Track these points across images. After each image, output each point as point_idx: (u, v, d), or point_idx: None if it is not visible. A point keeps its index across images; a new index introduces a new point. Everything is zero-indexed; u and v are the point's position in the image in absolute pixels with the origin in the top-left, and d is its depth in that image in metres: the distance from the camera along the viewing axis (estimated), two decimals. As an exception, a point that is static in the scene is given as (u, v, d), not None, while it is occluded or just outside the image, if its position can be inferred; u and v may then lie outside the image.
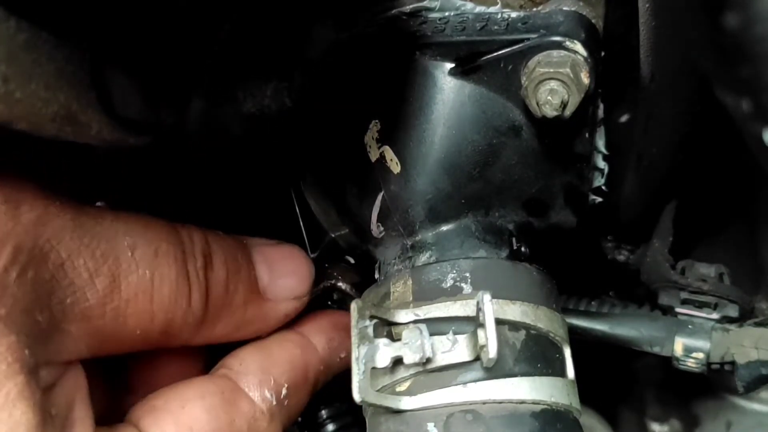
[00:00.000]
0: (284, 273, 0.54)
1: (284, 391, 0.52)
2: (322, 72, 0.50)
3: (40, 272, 0.40)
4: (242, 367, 0.52)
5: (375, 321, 0.45)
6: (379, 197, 0.50)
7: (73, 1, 0.33)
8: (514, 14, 0.47)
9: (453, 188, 0.48)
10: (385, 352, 0.44)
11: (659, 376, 0.78)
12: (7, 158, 0.40)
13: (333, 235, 0.58)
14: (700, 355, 0.57)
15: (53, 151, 0.41)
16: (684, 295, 0.60)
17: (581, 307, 0.63)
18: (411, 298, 0.47)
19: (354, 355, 0.43)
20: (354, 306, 0.45)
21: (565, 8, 0.46)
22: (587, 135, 0.48)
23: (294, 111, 0.49)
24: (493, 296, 0.43)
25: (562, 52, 0.43)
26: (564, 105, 0.43)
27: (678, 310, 0.59)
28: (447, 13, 0.48)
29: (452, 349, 0.44)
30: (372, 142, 0.50)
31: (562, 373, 0.47)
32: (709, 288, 0.59)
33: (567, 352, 0.48)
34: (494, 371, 0.43)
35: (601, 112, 0.51)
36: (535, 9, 0.47)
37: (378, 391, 0.44)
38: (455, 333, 0.44)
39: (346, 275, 0.60)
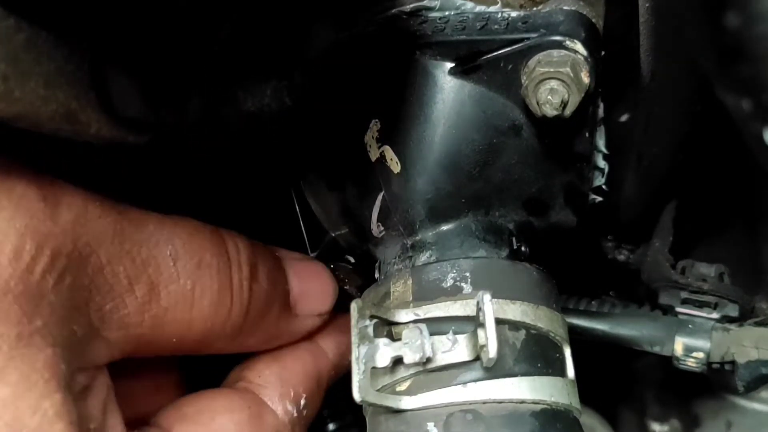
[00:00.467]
0: (312, 289, 0.55)
1: (303, 402, 0.52)
2: (322, 71, 0.50)
3: (78, 278, 0.38)
4: (262, 380, 0.52)
5: (375, 321, 0.45)
6: (379, 197, 0.50)
7: (72, 0, 0.33)
8: (514, 14, 0.47)
9: (453, 188, 0.48)
10: (385, 351, 0.44)
11: (659, 376, 0.78)
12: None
13: (333, 235, 0.58)
14: (701, 355, 0.57)
15: (53, 151, 0.41)
16: (684, 294, 0.60)
17: (581, 307, 0.63)
18: (411, 298, 0.47)
19: (354, 354, 0.43)
20: (354, 306, 0.45)
21: (565, 8, 0.46)
22: (587, 134, 0.48)
23: (294, 110, 0.49)
24: (493, 296, 0.43)
25: (563, 52, 0.43)
26: (564, 104, 0.43)
27: (678, 309, 0.59)
28: (447, 13, 0.48)
29: (452, 348, 0.44)
30: (372, 142, 0.50)
31: (562, 372, 0.47)
32: (709, 287, 0.59)
33: (567, 352, 0.48)
34: (494, 371, 0.43)
35: (601, 112, 0.51)
36: (535, 8, 0.47)
37: (378, 390, 0.44)
38: (455, 333, 0.44)
39: (351, 278, 0.60)
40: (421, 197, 0.49)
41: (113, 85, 0.37)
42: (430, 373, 0.44)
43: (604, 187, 0.54)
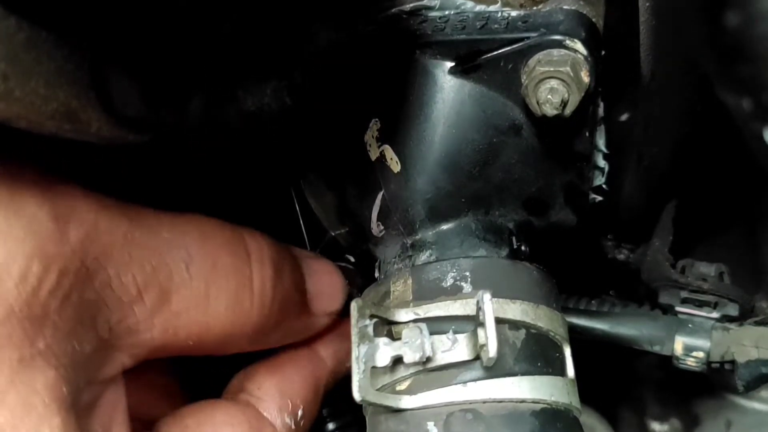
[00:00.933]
0: (325, 288, 0.54)
1: (300, 413, 0.52)
2: (322, 71, 0.50)
3: (85, 294, 0.37)
4: (261, 392, 0.51)
5: (375, 320, 0.45)
6: (379, 196, 0.50)
7: (73, 0, 0.33)
8: (514, 13, 0.47)
9: (453, 187, 0.48)
10: (385, 351, 0.44)
11: (659, 376, 0.78)
12: (56, 161, 0.38)
13: (333, 234, 0.58)
14: (701, 354, 0.57)
15: (53, 151, 0.41)
16: (684, 294, 0.60)
17: (581, 306, 0.63)
18: (411, 297, 0.47)
19: (354, 354, 0.43)
20: (354, 305, 0.45)
21: (565, 7, 0.46)
22: (587, 134, 0.48)
23: (294, 110, 0.49)
24: (493, 295, 0.43)
25: (563, 51, 0.43)
26: (564, 104, 0.43)
27: (678, 309, 0.59)
28: (447, 12, 0.48)
29: (452, 348, 0.44)
30: (372, 141, 0.50)
31: (562, 372, 0.47)
32: (709, 287, 0.59)
33: (567, 351, 0.48)
34: (494, 370, 0.43)
35: (601, 111, 0.51)
36: (535, 8, 0.47)
37: (378, 390, 0.44)
38: (455, 332, 0.44)
39: (353, 279, 0.60)
40: (421, 197, 0.49)
41: (113, 85, 0.37)
42: (430, 372, 0.44)
43: (604, 186, 0.54)
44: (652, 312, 0.61)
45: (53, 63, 0.33)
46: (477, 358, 0.43)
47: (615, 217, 0.61)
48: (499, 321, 0.43)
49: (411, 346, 0.43)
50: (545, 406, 0.44)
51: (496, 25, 0.46)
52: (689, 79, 0.48)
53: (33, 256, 0.35)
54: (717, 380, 0.73)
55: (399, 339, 0.44)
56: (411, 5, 0.48)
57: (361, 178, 0.51)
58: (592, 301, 0.63)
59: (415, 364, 0.44)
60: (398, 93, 0.48)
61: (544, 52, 0.44)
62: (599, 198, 0.54)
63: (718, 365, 0.57)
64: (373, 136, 0.50)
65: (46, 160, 0.39)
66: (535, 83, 0.43)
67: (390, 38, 0.48)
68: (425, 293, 0.47)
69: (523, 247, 0.51)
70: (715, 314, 0.58)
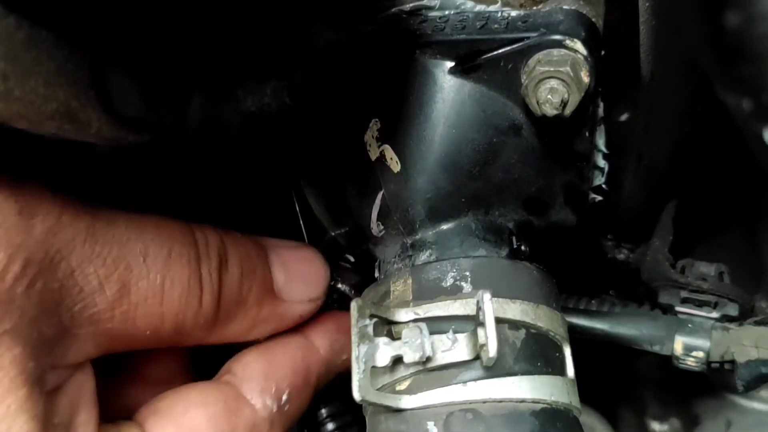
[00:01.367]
0: (300, 275, 0.55)
1: (285, 397, 0.52)
2: (322, 71, 0.50)
3: (49, 282, 0.40)
4: (245, 373, 0.52)
5: (375, 320, 0.45)
6: (379, 196, 0.50)
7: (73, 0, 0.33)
8: (514, 13, 0.47)
9: (453, 187, 0.48)
10: (385, 350, 0.44)
11: (659, 375, 0.78)
12: (21, 161, 0.40)
13: (333, 234, 0.58)
14: (700, 354, 0.57)
15: (53, 151, 0.41)
16: (684, 293, 0.60)
17: (581, 306, 0.63)
18: (411, 297, 0.47)
19: (354, 354, 0.43)
20: (354, 305, 0.45)
21: (565, 7, 0.46)
22: (587, 134, 0.48)
23: (294, 110, 0.49)
24: (493, 295, 0.43)
25: (563, 51, 0.43)
26: (564, 104, 0.43)
27: (678, 308, 0.59)
28: (447, 12, 0.48)
29: (452, 348, 0.44)
30: (372, 141, 0.50)
31: (562, 372, 0.47)
32: (709, 287, 0.59)
33: (567, 351, 0.48)
34: (494, 370, 0.43)
35: (601, 111, 0.51)
36: (535, 8, 0.47)
37: (378, 390, 0.44)
38: (455, 332, 0.44)
39: (345, 276, 0.60)
40: (420, 196, 0.49)
41: (113, 85, 0.37)
42: (430, 372, 0.44)
43: (604, 186, 0.54)
44: (652, 312, 0.61)
45: (53, 62, 0.33)
46: (477, 357, 0.43)
47: (615, 216, 0.61)
48: (499, 321, 0.43)
49: (411, 346, 0.43)
50: (545, 405, 0.44)
51: (496, 25, 0.46)
52: (689, 79, 0.48)
53: None
54: (717, 380, 0.73)
55: (399, 339, 0.44)
56: (411, 5, 0.48)
57: (361, 178, 0.51)
58: (592, 301, 0.63)
59: (415, 363, 0.44)
60: (398, 93, 0.48)
61: (544, 52, 0.44)
62: (599, 198, 0.54)
63: (717, 365, 0.57)
64: (373, 136, 0.50)
65: (45, 162, 0.40)
66: (535, 83, 0.43)
67: (390, 38, 0.48)
68: (425, 293, 0.47)
69: (523, 247, 0.51)
70: (715, 314, 0.58)
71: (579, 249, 0.60)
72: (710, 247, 0.69)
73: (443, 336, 0.44)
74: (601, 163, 0.53)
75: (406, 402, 0.43)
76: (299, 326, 0.56)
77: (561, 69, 0.42)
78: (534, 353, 0.45)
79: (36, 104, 0.33)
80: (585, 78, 0.43)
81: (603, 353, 0.66)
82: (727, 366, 0.57)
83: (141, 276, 0.44)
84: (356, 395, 0.42)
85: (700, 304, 0.59)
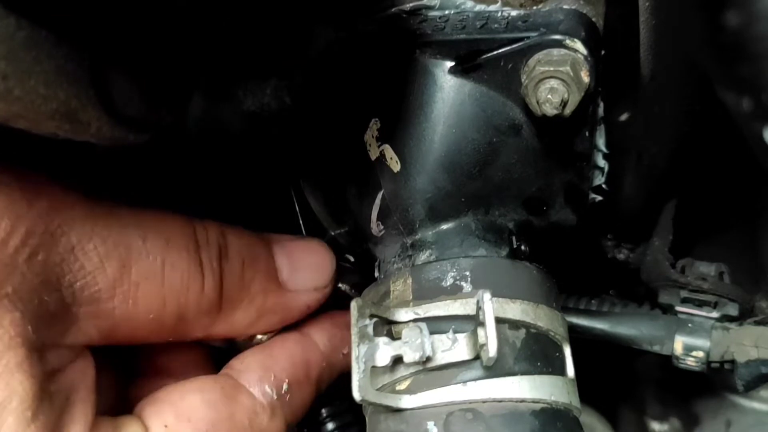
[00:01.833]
0: (305, 265, 0.55)
1: (285, 386, 0.52)
2: (322, 70, 0.50)
3: (50, 255, 0.41)
4: (243, 366, 0.53)
5: (375, 320, 0.45)
6: (379, 196, 0.50)
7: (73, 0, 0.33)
8: (514, 12, 0.47)
9: (453, 187, 0.48)
10: (385, 350, 0.44)
11: (659, 375, 0.78)
12: (26, 159, 0.41)
13: (333, 233, 0.58)
14: (700, 354, 0.57)
15: (53, 150, 0.41)
16: (684, 293, 0.60)
17: (581, 306, 0.63)
18: (411, 297, 0.47)
19: (354, 353, 0.43)
20: (354, 305, 0.45)
21: (565, 6, 0.46)
22: (587, 133, 0.48)
23: (294, 109, 0.49)
24: (493, 295, 0.43)
25: (563, 51, 0.43)
26: (564, 103, 0.43)
27: (678, 308, 0.59)
28: (447, 12, 0.48)
29: (452, 347, 0.44)
30: (372, 141, 0.50)
31: (562, 371, 0.47)
32: (709, 286, 0.59)
33: (567, 351, 0.48)
34: (494, 370, 0.43)
35: (601, 111, 0.51)
36: (535, 7, 0.47)
37: (378, 389, 0.44)
38: (455, 332, 0.44)
39: (345, 275, 0.60)
40: (420, 196, 0.49)
41: (114, 84, 0.37)
42: (429, 372, 0.44)
43: (603, 186, 0.54)
44: (651, 312, 0.61)
45: (53, 62, 0.33)
46: (477, 357, 0.43)
47: (615, 216, 0.61)
48: (499, 320, 0.43)
49: (411, 346, 0.43)
50: (545, 405, 0.44)
51: (496, 25, 0.46)
52: (689, 79, 0.48)
53: (2, 216, 0.39)
54: (717, 380, 0.73)
55: (399, 339, 0.44)
56: (411, 5, 0.48)
57: (361, 178, 0.51)
58: (592, 301, 0.63)
59: (414, 363, 0.44)
60: (398, 93, 0.48)
61: (544, 51, 0.44)
62: (599, 198, 0.54)
63: (717, 365, 0.57)
64: (373, 136, 0.50)
65: (45, 161, 0.41)
66: (535, 83, 0.43)
67: (390, 38, 0.48)
68: (425, 293, 0.47)
69: (523, 247, 0.51)
70: (714, 314, 0.58)
71: (579, 249, 0.60)
72: (710, 247, 0.69)
73: (443, 336, 0.44)
74: (601, 162, 0.53)
75: (406, 402, 0.43)
76: (297, 324, 0.57)
77: (561, 69, 0.42)
78: (534, 353, 0.45)
79: (36, 104, 0.33)
80: (585, 78, 0.43)
81: (603, 353, 0.66)
82: (727, 366, 0.57)
83: (140, 257, 0.45)
84: (356, 395, 0.42)
85: (700, 304, 0.59)
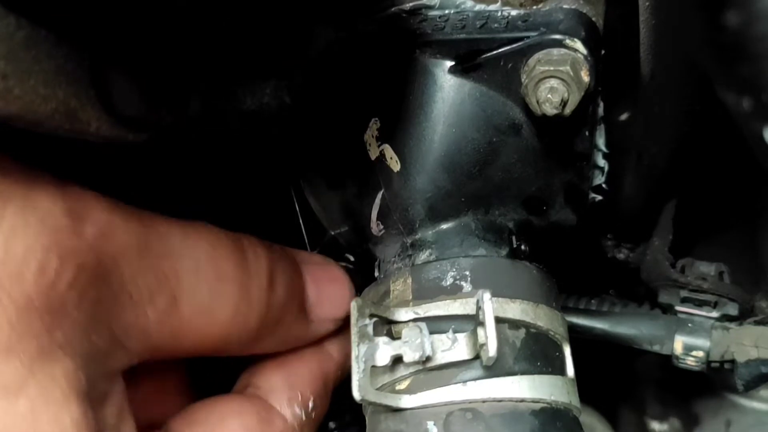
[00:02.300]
0: (328, 295, 0.54)
1: (311, 405, 0.52)
2: (321, 70, 0.50)
3: (101, 291, 0.38)
4: (270, 385, 0.52)
5: (375, 319, 0.45)
6: (379, 195, 0.50)
7: (72, -1, 0.33)
8: (514, 12, 0.47)
9: (453, 186, 0.48)
10: (384, 350, 0.44)
11: (659, 375, 0.78)
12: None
13: (332, 233, 0.57)
14: (700, 354, 0.57)
15: (52, 150, 0.41)
16: (684, 293, 0.60)
17: (581, 306, 0.63)
18: (411, 297, 0.47)
19: (354, 353, 0.43)
20: (354, 304, 0.45)
21: (565, 6, 0.46)
22: (587, 133, 0.48)
23: (294, 109, 0.49)
24: (493, 294, 0.43)
25: (563, 50, 0.43)
26: (564, 103, 0.43)
27: (678, 308, 0.59)
28: (447, 11, 0.48)
29: (452, 347, 0.44)
30: (372, 141, 0.50)
31: (561, 371, 0.47)
32: (709, 286, 0.59)
33: (567, 351, 0.48)
34: (494, 370, 0.43)
35: (601, 111, 0.51)
36: (535, 7, 0.47)
37: (378, 389, 0.44)
38: (455, 331, 0.44)
39: (351, 278, 0.60)
40: (420, 196, 0.49)
41: (113, 84, 0.37)
42: (429, 371, 0.44)
43: (604, 185, 0.54)
44: (651, 311, 0.61)
45: (53, 62, 0.33)
46: (477, 357, 0.43)
47: (615, 216, 0.61)
48: (498, 320, 0.43)
49: (411, 346, 0.43)
50: (545, 405, 0.44)
51: (495, 25, 0.46)
52: (689, 79, 0.48)
53: (50, 250, 0.36)
54: (717, 380, 0.73)
55: (399, 338, 0.44)
56: (411, 4, 0.48)
57: (361, 178, 0.51)
58: (592, 301, 0.63)
59: (414, 363, 0.44)
60: (398, 92, 0.48)
61: (544, 51, 0.44)
62: (599, 197, 0.54)
63: (717, 365, 0.57)
64: (372, 136, 0.50)
65: (50, 162, 0.40)
66: (535, 82, 0.43)
67: (390, 37, 0.48)
68: (425, 292, 0.47)
69: (522, 247, 0.51)
70: (714, 314, 0.58)
71: (579, 249, 0.60)
72: (710, 247, 0.69)
73: (443, 335, 0.44)
74: (601, 162, 0.53)
75: (406, 401, 0.43)
76: None
77: (561, 68, 0.42)
78: (534, 353, 0.45)
79: (35, 103, 0.33)
80: (585, 77, 0.43)
81: (603, 353, 0.66)
82: (726, 365, 0.57)
83: (192, 292, 0.43)
84: (356, 395, 0.42)
85: (699, 304, 0.59)
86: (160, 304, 0.42)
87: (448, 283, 0.46)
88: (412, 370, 0.44)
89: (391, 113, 0.48)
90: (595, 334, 0.60)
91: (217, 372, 0.54)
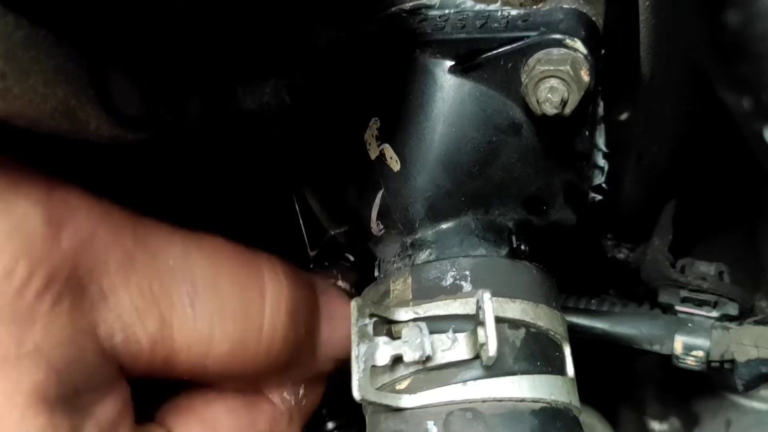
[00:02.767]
0: (340, 336, 0.51)
1: (302, 391, 0.52)
2: (321, 70, 0.50)
3: (79, 304, 0.37)
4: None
5: (375, 319, 0.45)
6: (379, 195, 0.50)
7: (72, -2, 0.33)
8: (514, 12, 0.47)
9: (453, 186, 0.48)
10: (384, 350, 0.44)
11: (659, 375, 0.78)
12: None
13: (333, 233, 0.57)
14: (700, 354, 0.57)
15: (51, 149, 0.41)
16: (684, 293, 0.60)
17: (581, 306, 0.63)
18: (411, 296, 0.47)
19: (354, 353, 0.43)
20: (354, 304, 0.45)
21: (565, 6, 0.46)
22: (587, 133, 0.48)
23: (293, 108, 0.49)
24: (493, 294, 0.43)
25: (562, 50, 0.43)
26: (564, 103, 0.43)
27: (678, 308, 0.59)
28: (447, 11, 0.48)
29: (452, 347, 0.44)
30: (372, 140, 0.50)
31: (561, 371, 0.47)
32: (708, 286, 0.59)
33: (567, 351, 0.48)
34: (494, 369, 0.43)
35: (601, 110, 0.51)
36: (535, 7, 0.47)
37: (378, 389, 0.44)
38: (455, 331, 0.44)
39: (345, 274, 0.60)
40: (420, 195, 0.49)
41: (113, 83, 0.37)
42: (429, 371, 0.44)
43: (603, 185, 0.53)
44: (651, 311, 0.61)
45: (52, 61, 0.33)
46: (477, 357, 0.43)
47: (615, 216, 0.61)
48: (498, 320, 0.43)
49: (411, 345, 0.43)
50: (545, 405, 0.44)
51: (495, 24, 0.46)
52: (689, 79, 0.48)
53: (19, 257, 0.35)
54: (716, 379, 0.73)
55: (399, 338, 0.44)
56: (411, 4, 0.48)
57: (361, 177, 0.51)
58: (592, 300, 0.63)
59: (414, 363, 0.44)
60: (398, 92, 0.48)
61: (544, 51, 0.44)
62: (599, 197, 0.54)
63: (717, 364, 0.57)
64: (372, 135, 0.50)
65: (45, 161, 0.39)
66: (535, 82, 0.43)
67: (390, 37, 0.48)
68: (425, 292, 0.46)
69: (522, 246, 0.51)
70: (714, 313, 0.58)
71: (579, 248, 0.60)
72: (710, 247, 0.69)
73: (443, 335, 0.44)
74: (601, 162, 0.53)
75: (406, 401, 0.43)
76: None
77: (561, 68, 0.42)
78: (534, 352, 0.45)
79: (35, 103, 0.33)
80: (585, 77, 0.43)
81: (603, 353, 0.66)
82: (726, 365, 0.57)
83: (185, 322, 0.41)
84: (356, 394, 0.42)
85: (699, 304, 0.59)
86: (150, 325, 0.40)
87: (448, 282, 0.46)
88: (412, 369, 0.44)
89: (391, 113, 0.48)
90: (595, 334, 0.60)
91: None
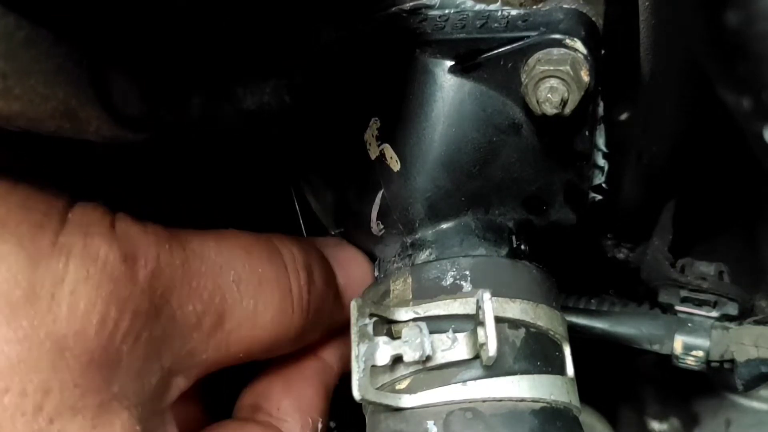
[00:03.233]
0: (355, 277, 0.55)
1: (320, 426, 0.53)
2: (321, 70, 0.50)
3: (153, 331, 0.38)
4: (281, 413, 0.52)
5: (375, 319, 0.45)
6: (379, 195, 0.50)
7: (72, -2, 0.33)
8: (514, 12, 0.47)
9: (453, 186, 0.48)
10: (384, 350, 0.44)
11: (659, 375, 0.78)
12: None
13: (333, 233, 0.57)
14: (700, 353, 0.57)
15: (51, 149, 0.41)
16: (684, 293, 0.60)
17: (581, 305, 0.63)
18: (411, 296, 0.47)
19: (354, 353, 0.43)
20: (354, 304, 0.45)
21: (565, 6, 0.46)
22: (587, 133, 0.48)
23: (294, 108, 0.49)
24: (493, 294, 0.43)
25: (562, 50, 0.43)
26: (564, 103, 0.43)
27: (678, 308, 0.59)
28: (447, 11, 0.48)
29: (452, 347, 0.44)
30: (372, 140, 0.50)
31: (561, 371, 0.47)
32: (708, 286, 0.59)
33: (567, 350, 0.48)
34: (494, 369, 0.43)
35: (601, 110, 0.51)
36: (535, 6, 0.47)
37: (378, 389, 0.44)
38: (455, 331, 0.44)
39: None
40: (420, 195, 0.49)
41: (113, 83, 0.37)
42: (429, 371, 0.44)
43: (603, 185, 0.53)
44: (651, 311, 0.61)
45: (52, 61, 0.33)
46: (477, 357, 0.43)
47: (615, 215, 0.61)
48: (498, 320, 0.43)
49: (411, 345, 0.43)
50: (545, 405, 0.44)
51: (495, 24, 0.46)
52: (689, 78, 0.48)
53: (110, 302, 0.36)
54: (716, 379, 0.73)
55: (399, 338, 0.44)
56: (411, 4, 0.48)
57: (361, 177, 0.51)
58: (592, 300, 0.63)
59: (414, 362, 0.44)
60: (398, 92, 0.48)
61: (544, 51, 0.44)
62: (599, 197, 0.54)
63: (717, 364, 0.57)
64: (372, 135, 0.50)
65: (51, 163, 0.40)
66: (535, 82, 0.43)
67: (390, 37, 0.48)
68: (425, 292, 0.47)
69: (522, 246, 0.51)
70: (714, 313, 0.58)
71: (579, 248, 0.60)
72: (710, 247, 0.69)
73: (443, 335, 0.44)
74: (601, 162, 0.53)
75: (406, 401, 0.43)
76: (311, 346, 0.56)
77: (561, 68, 0.42)
78: (534, 352, 0.45)
79: (35, 103, 0.33)
80: (585, 77, 0.43)
81: (603, 352, 0.66)
82: (726, 365, 0.57)
83: (235, 305, 0.44)
84: (356, 394, 0.42)
85: (699, 304, 0.59)
86: (207, 324, 0.42)
87: (448, 282, 0.46)
88: (412, 369, 0.44)
89: (391, 113, 0.48)
90: (595, 334, 0.60)
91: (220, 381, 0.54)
